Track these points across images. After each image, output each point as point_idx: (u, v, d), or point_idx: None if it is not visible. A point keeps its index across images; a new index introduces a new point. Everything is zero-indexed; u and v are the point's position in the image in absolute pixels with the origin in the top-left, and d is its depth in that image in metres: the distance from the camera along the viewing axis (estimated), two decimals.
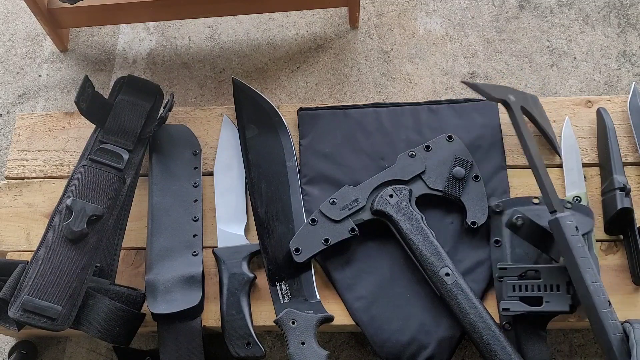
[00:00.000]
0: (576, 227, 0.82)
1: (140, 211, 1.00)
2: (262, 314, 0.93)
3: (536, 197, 0.94)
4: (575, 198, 0.95)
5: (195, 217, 0.99)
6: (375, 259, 0.95)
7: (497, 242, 0.94)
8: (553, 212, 0.84)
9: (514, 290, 0.86)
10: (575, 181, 0.97)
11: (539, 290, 0.85)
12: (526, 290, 0.86)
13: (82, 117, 0.98)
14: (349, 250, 0.96)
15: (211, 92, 1.29)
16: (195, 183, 1.02)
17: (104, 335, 0.85)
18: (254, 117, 1.06)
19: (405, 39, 1.31)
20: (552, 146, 1.01)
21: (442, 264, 0.89)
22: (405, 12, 1.33)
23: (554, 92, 1.23)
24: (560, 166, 1.00)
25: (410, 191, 0.95)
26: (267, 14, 1.35)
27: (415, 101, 1.09)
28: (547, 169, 0.90)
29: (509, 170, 1.00)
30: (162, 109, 1.04)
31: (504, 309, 0.86)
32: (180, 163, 1.04)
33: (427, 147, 0.99)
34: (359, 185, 0.97)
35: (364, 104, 1.08)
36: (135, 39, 1.36)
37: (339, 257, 0.95)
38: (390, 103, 1.08)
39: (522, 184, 1.00)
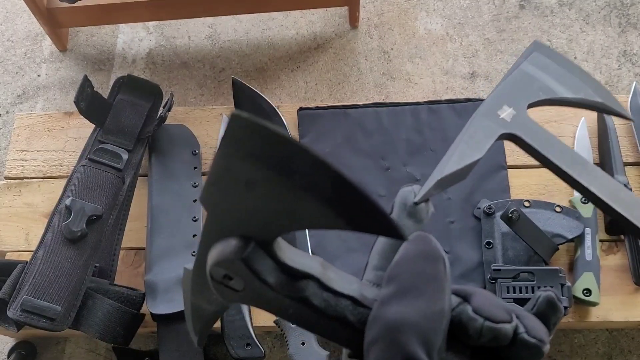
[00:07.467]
0: None
1: (139, 211, 1.00)
2: (262, 314, 0.92)
3: (527, 201, 0.94)
4: (583, 199, 0.94)
5: (194, 217, 0.99)
6: None
7: (488, 244, 0.93)
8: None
9: (508, 292, 0.86)
10: None
11: (533, 292, 0.85)
12: (520, 292, 0.86)
13: (82, 117, 0.98)
14: (349, 251, 0.95)
15: (211, 92, 1.29)
16: (194, 183, 1.02)
17: (103, 336, 0.85)
18: None
19: (405, 38, 1.30)
20: None
21: None
22: (405, 12, 1.33)
23: None
24: None
25: None
26: (267, 13, 1.34)
27: (415, 101, 1.09)
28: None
29: (509, 170, 1.00)
30: (161, 108, 1.04)
31: None
32: (179, 163, 1.03)
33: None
34: None
35: (364, 104, 1.07)
36: (135, 39, 1.35)
37: (339, 259, 0.95)
38: (391, 103, 1.08)
39: (522, 184, 0.99)
